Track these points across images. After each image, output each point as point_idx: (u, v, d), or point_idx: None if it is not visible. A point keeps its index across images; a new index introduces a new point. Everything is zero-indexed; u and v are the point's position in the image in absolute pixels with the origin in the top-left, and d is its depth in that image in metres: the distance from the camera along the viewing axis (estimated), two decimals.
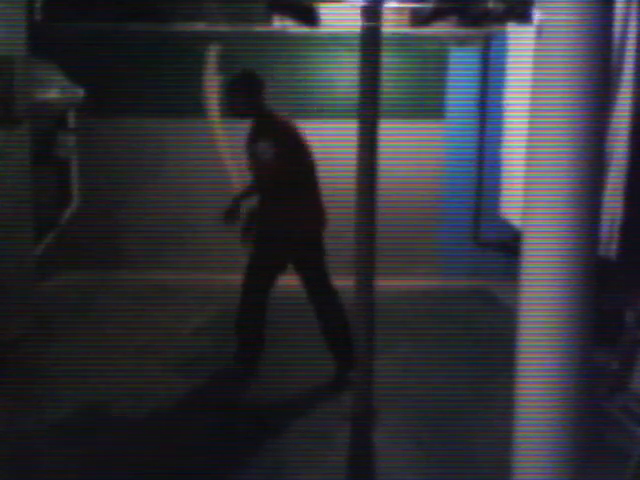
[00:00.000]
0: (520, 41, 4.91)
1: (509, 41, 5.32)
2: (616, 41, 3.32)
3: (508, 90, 5.39)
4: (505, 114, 5.45)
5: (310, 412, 3.46)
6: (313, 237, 3.72)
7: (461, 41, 5.71)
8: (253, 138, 3.69)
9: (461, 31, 5.51)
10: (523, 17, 4.68)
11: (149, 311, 4.93)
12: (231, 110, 3.79)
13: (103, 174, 5.81)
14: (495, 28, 5.35)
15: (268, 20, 5.48)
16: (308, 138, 3.81)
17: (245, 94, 3.64)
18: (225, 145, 5.64)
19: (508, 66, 5.36)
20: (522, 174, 1.99)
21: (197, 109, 5.64)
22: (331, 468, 2.92)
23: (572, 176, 1.83)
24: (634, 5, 3.39)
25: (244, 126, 3.71)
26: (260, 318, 3.73)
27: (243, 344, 3.79)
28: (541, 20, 1.84)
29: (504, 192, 5.46)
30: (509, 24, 5.15)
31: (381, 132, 2.51)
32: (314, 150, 3.80)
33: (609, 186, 3.54)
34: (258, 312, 3.71)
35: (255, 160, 3.65)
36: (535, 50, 1.90)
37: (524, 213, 1.96)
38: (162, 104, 5.69)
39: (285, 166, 3.54)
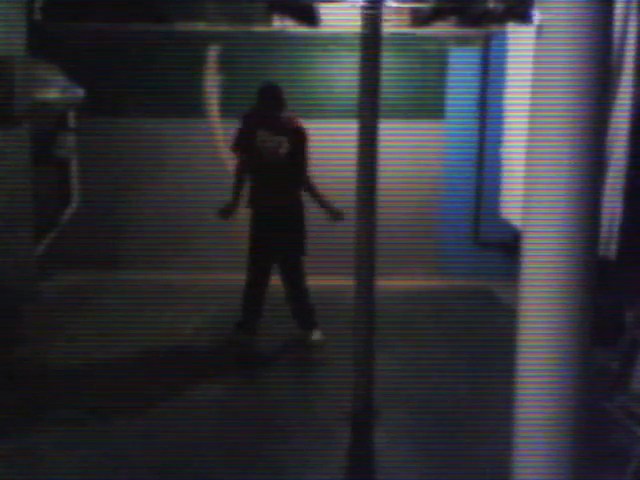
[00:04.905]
0: (520, 41, 4.92)
1: (509, 41, 5.33)
2: (616, 41, 3.32)
3: (508, 90, 5.39)
4: (505, 114, 5.45)
5: (310, 412, 3.46)
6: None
7: (461, 41, 5.71)
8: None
9: (461, 31, 5.51)
10: (523, 17, 4.68)
11: (149, 311, 4.92)
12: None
13: (103, 174, 5.81)
14: (495, 28, 5.35)
15: (268, 20, 5.48)
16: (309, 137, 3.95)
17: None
18: (225, 145, 5.64)
19: (508, 66, 5.36)
20: (522, 174, 1.99)
21: (197, 109, 5.64)
22: (331, 468, 2.92)
23: (572, 176, 1.83)
24: (634, 5, 3.40)
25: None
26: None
27: (245, 314, 4.33)
28: (541, 20, 1.84)
29: (504, 192, 5.46)
30: (509, 24, 5.15)
31: (381, 132, 2.52)
32: (314, 149, 3.80)
33: (608, 186, 3.54)
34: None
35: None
36: (535, 50, 1.90)
37: (524, 213, 1.96)
38: (162, 104, 5.70)
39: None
